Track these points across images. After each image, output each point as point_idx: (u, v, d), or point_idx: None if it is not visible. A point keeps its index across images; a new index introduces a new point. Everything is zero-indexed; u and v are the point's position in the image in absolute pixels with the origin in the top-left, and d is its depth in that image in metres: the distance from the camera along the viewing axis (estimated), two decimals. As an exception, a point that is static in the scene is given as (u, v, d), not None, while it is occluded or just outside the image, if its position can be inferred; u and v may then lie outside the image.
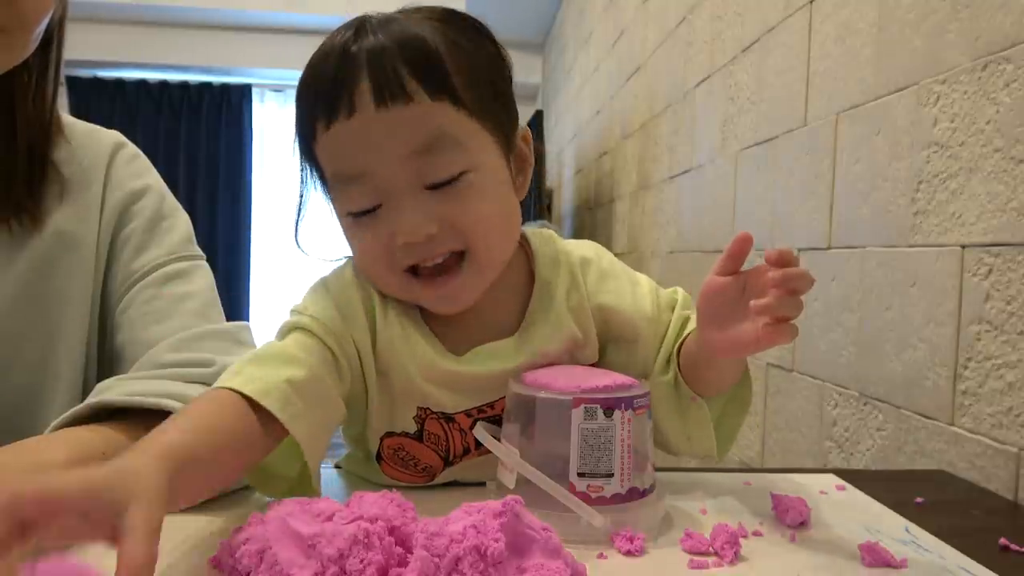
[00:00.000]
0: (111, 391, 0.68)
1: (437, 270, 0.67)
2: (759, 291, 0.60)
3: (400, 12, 0.68)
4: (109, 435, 0.64)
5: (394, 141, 0.63)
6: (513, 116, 0.71)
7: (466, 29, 0.68)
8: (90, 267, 0.80)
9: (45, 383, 0.78)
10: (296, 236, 0.74)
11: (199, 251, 0.87)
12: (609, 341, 0.75)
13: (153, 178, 0.87)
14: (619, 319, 0.73)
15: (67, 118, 0.85)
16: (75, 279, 0.79)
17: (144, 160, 0.89)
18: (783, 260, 0.58)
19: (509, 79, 0.71)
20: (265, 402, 0.58)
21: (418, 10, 0.68)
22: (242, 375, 0.60)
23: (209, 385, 0.71)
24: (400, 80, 0.63)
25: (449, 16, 0.68)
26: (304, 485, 0.63)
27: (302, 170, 0.72)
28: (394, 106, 0.62)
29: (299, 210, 0.73)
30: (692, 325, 0.76)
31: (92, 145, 0.84)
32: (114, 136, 0.88)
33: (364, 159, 0.64)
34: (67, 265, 0.79)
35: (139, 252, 0.82)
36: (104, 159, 0.84)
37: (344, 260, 0.75)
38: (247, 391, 0.58)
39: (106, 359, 0.82)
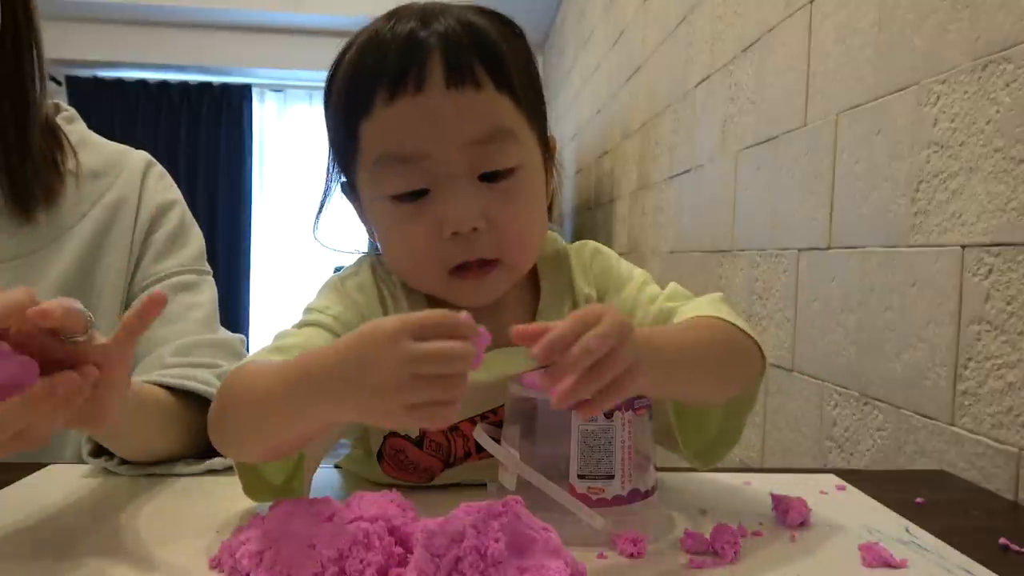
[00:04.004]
0: (138, 378, 0.78)
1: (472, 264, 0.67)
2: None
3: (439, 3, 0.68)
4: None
5: (459, 125, 0.63)
6: (546, 119, 0.72)
7: (509, 26, 0.69)
8: (123, 266, 0.90)
9: None
10: (315, 227, 0.73)
11: (208, 267, 0.98)
12: None
13: (179, 195, 0.99)
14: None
15: (97, 137, 0.96)
16: (111, 277, 0.89)
17: (170, 179, 1.00)
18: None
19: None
20: None
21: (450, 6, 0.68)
22: None
23: (211, 381, 0.80)
24: (471, 66, 0.63)
25: (490, 12, 0.69)
26: (286, 495, 0.62)
27: (332, 157, 0.71)
28: (464, 89, 0.63)
29: (322, 202, 0.73)
30: (679, 317, 0.70)
31: (127, 161, 0.95)
32: (145, 154, 0.99)
33: (424, 138, 0.63)
34: (105, 264, 0.89)
35: (159, 258, 0.93)
36: (139, 173, 0.95)
37: (358, 261, 0.74)
38: None
39: None
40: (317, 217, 0.74)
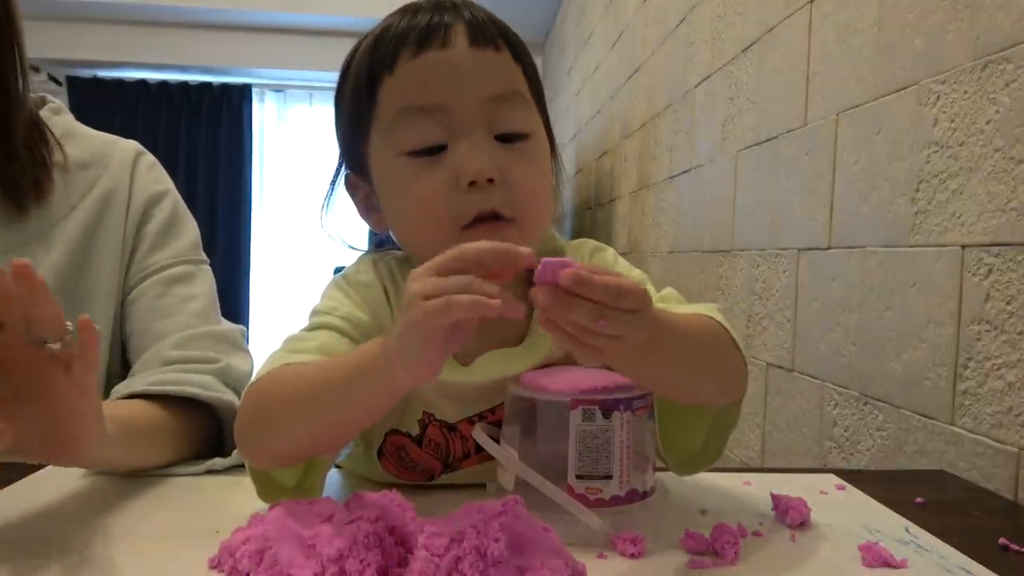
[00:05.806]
0: (136, 384, 0.78)
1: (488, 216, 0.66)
2: None
3: None
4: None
5: (479, 79, 0.66)
6: (548, 120, 0.75)
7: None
8: (117, 259, 0.89)
9: None
10: (326, 207, 0.75)
11: (204, 256, 0.96)
12: None
13: (170, 185, 0.97)
14: None
15: (85, 128, 0.94)
16: (104, 270, 0.88)
17: (161, 168, 0.98)
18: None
19: None
20: None
21: None
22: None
23: (215, 377, 0.81)
24: (493, 35, 0.68)
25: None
26: (301, 496, 0.62)
27: (342, 141, 0.73)
28: (486, 49, 0.67)
29: (333, 182, 0.75)
30: None
31: (116, 151, 0.94)
32: (134, 144, 0.98)
33: (445, 90, 0.66)
34: (98, 259, 0.88)
35: (153, 250, 0.91)
36: (128, 163, 0.93)
37: (358, 260, 0.75)
38: None
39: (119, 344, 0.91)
40: (330, 194, 0.75)
